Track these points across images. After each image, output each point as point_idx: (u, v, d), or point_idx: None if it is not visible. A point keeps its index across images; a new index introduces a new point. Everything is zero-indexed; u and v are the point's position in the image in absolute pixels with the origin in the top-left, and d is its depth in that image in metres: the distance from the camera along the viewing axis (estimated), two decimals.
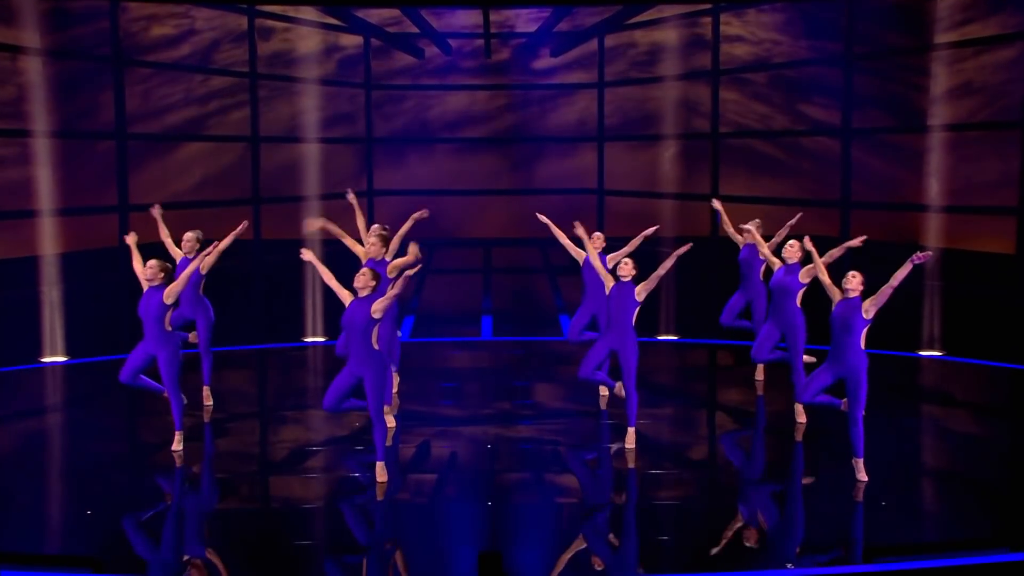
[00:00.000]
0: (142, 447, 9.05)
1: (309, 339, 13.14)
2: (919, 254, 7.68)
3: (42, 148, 13.17)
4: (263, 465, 8.87)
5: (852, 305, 7.77)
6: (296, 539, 7.10)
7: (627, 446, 8.72)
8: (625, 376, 8.64)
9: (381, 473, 7.95)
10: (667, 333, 13.24)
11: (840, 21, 15.15)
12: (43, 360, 11.79)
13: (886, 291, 7.68)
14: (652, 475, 8.33)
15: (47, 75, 13.42)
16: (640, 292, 8.48)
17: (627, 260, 8.60)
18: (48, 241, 13.06)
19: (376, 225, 9.80)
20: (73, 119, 14.44)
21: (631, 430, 8.77)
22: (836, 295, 7.92)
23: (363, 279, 7.82)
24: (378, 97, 17.90)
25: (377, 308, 7.71)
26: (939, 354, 12.16)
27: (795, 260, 9.13)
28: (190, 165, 16.49)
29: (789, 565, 6.60)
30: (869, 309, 7.73)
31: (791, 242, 9.19)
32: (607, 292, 8.66)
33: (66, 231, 13.41)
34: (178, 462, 8.43)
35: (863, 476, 7.91)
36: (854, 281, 7.80)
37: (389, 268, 9.06)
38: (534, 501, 7.84)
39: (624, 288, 8.53)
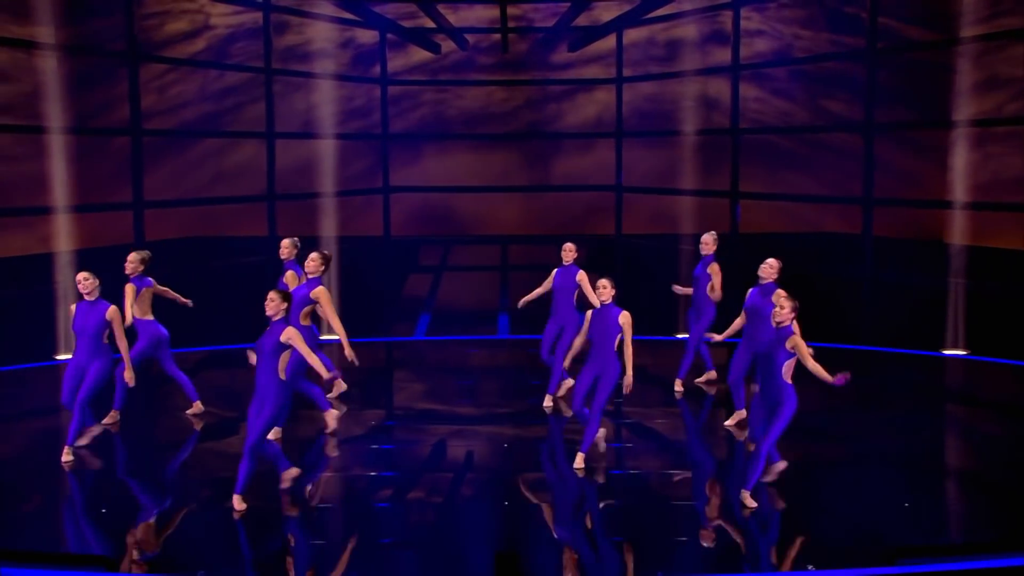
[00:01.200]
0: (156, 446, 9.03)
1: (323, 337, 13.08)
2: (840, 377, 7.10)
3: (57, 144, 13.15)
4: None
5: (781, 335, 7.26)
6: (311, 539, 7.06)
7: (576, 465, 8.19)
8: (596, 401, 8.03)
9: (238, 503, 7.34)
10: (685, 332, 13.13)
11: (863, 15, 14.99)
12: (58, 358, 11.79)
13: (807, 363, 7.15)
14: (668, 475, 8.25)
15: (62, 71, 13.40)
16: (623, 324, 7.95)
17: (605, 283, 7.98)
18: (63, 238, 13.04)
19: (288, 240, 9.85)
20: (88, 115, 14.44)
21: (581, 456, 8.19)
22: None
23: (272, 305, 7.28)
24: (394, 93, 17.84)
25: (287, 337, 7.24)
26: (963, 353, 12.02)
27: (770, 280, 8.79)
28: (205, 161, 16.49)
29: (809, 567, 6.53)
30: (794, 348, 7.19)
31: (768, 261, 8.84)
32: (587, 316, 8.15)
33: (81, 228, 13.40)
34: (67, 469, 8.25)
35: (751, 503, 7.45)
36: (783, 313, 7.25)
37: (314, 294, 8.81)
38: (551, 501, 7.77)
39: (606, 313, 7.99)
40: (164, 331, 9.17)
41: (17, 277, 13.43)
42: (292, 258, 9.77)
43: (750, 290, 8.86)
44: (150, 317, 9.12)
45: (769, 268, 8.83)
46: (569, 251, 9.84)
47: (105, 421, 9.17)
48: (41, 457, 8.79)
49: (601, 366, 8.01)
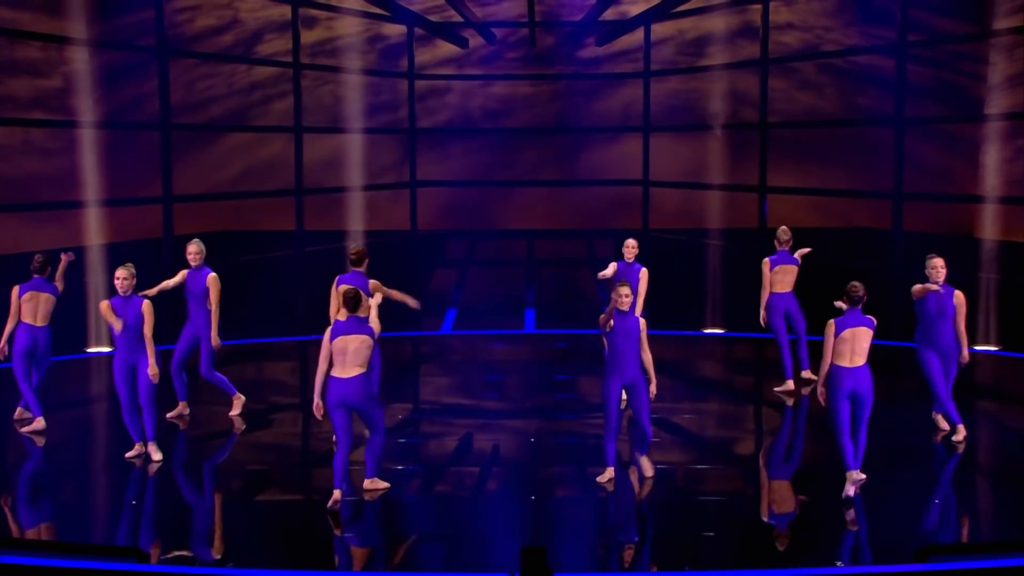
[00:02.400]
0: (186, 437, 9.11)
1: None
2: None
3: (88, 139, 13.28)
4: (305, 456, 8.90)
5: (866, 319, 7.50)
6: (337, 531, 7.07)
7: (646, 475, 7.84)
8: (641, 412, 7.68)
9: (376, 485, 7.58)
10: (713, 326, 13.11)
11: (893, 7, 14.87)
12: (89, 350, 11.92)
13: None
14: (696, 470, 8.23)
15: (93, 66, 13.54)
16: (644, 328, 7.61)
17: (625, 291, 7.51)
18: (94, 232, 13.18)
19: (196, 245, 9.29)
20: (118, 110, 14.56)
21: (644, 458, 7.85)
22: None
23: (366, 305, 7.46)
24: (421, 87, 17.87)
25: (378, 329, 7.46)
26: (994, 348, 11.91)
27: (943, 280, 8.40)
28: (233, 156, 16.58)
29: (839, 563, 6.51)
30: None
31: (935, 262, 8.43)
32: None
33: (111, 221, 13.54)
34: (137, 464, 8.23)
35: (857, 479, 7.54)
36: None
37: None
38: (577, 495, 7.77)
39: (629, 320, 7.56)
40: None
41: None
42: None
43: (927, 294, 8.44)
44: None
45: (939, 271, 8.40)
46: (631, 248, 9.50)
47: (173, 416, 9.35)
48: (72, 449, 8.89)
49: (630, 375, 7.67)
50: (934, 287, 8.37)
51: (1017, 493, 7.78)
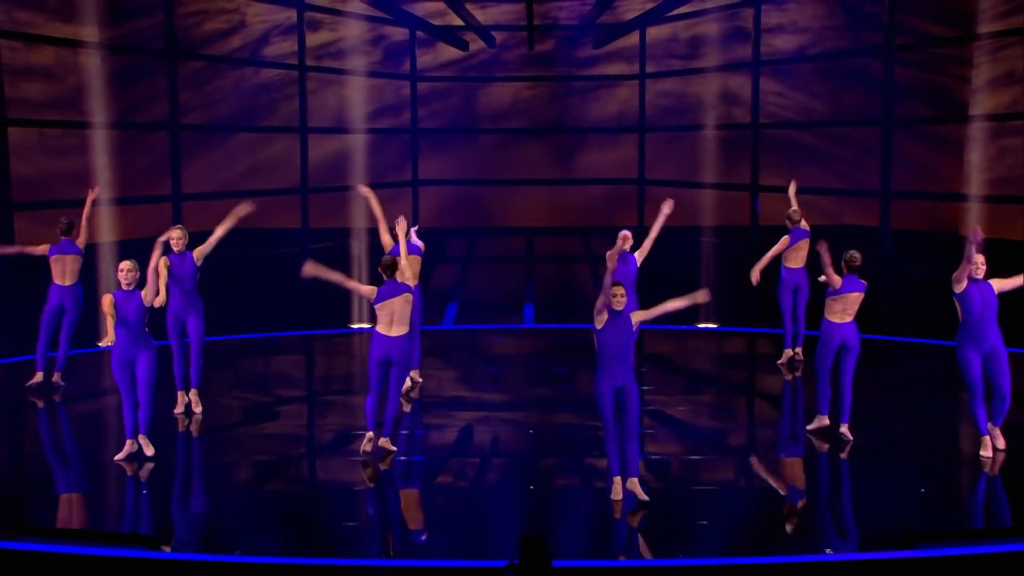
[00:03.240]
0: (192, 428, 9.27)
1: (355, 326, 13.39)
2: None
3: (100, 139, 13.50)
4: (310, 448, 9.02)
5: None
6: (342, 520, 7.21)
7: (640, 498, 7.44)
8: (630, 419, 7.39)
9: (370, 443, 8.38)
10: (706, 321, 13.32)
11: (881, 12, 15.09)
12: (101, 345, 12.11)
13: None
14: (691, 461, 8.40)
15: (105, 68, 13.73)
16: (636, 323, 7.44)
17: (620, 291, 7.31)
18: (106, 230, 13.40)
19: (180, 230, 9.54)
20: (129, 111, 14.75)
21: (635, 480, 7.44)
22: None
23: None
24: (423, 89, 18.05)
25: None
26: None
27: (982, 278, 8.28)
28: (240, 155, 16.73)
29: (828, 550, 6.64)
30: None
31: (979, 261, 8.15)
32: (599, 326, 7.35)
33: (123, 220, 13.73)
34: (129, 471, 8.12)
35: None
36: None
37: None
38: (575, 485, 7.93)
39: (621, 319, 7.36)
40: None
41: None
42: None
43: (972, 291, 8.16)
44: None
45: (978, 267, 8.23)
46: (626, 239, 10.06)
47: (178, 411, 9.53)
48: (84, 439, 9.04)
49: (622, 377, 7.42)
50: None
51: (1007, 483, 7.87)
